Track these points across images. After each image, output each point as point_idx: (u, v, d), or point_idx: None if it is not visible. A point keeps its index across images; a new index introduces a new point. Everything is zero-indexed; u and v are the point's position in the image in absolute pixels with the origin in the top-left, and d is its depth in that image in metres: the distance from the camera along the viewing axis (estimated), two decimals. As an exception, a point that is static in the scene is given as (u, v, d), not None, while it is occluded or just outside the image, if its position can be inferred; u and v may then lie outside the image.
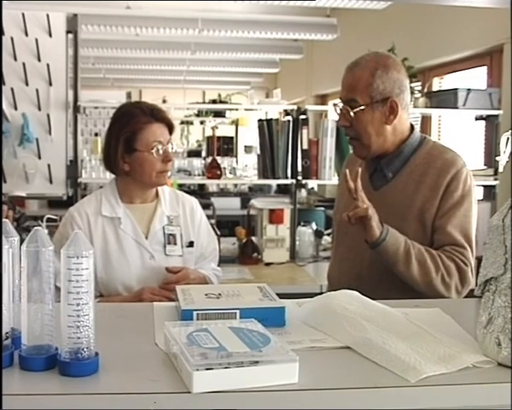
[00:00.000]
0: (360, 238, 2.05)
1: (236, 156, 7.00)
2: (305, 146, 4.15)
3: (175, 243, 2.26)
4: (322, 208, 5.42)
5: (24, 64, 3.82)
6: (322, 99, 8.14)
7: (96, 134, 7.46)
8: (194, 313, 1.33)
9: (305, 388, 1.06)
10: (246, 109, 6.10)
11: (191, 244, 2.31)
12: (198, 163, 6.49)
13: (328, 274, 2.32)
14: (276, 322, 1.35)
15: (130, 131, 2.20)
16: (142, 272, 2.20)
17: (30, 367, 1.08)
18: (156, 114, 2.22)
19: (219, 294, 1.44)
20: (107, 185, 2.33)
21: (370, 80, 2.03)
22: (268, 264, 4.04)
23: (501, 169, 2.00)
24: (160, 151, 2.19)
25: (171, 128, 2.26)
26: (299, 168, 4.14)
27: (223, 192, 6.45)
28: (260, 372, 1.05)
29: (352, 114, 2.06)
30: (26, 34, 3.83)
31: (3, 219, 1.22)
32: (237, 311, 1.34)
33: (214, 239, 2.47)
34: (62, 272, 1.05)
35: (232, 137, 7.42)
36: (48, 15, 3.84)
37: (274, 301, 1.42)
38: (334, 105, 2.16)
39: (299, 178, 4.14)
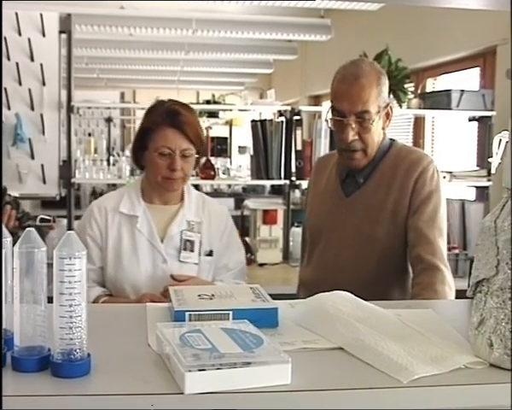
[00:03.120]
0: (335, 246, 2.08)
1: (230, 157, 7.01)
2: (299, 147, 4.16)
3: (191, 250, 2.19)
4: (316, 209, 5.41)
5: (17, 64, 3.82)
6: (316, 100, 8.14)
7: (90, 134, 7.46)
8: (187, 313, 1.32)
9: (297, 389, 1.06)
10: (240, 110, 6.10)
11: (210, 253, 2.23)
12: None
13: (302, 279, 2.32)
14: (269, 323, 1.35)
15: (145, 127, 2.17)
16: (153, 276, 2.14)
17: (22, 368, 1.08)
18: (171, 119, 2.11)
19: (212, 295, 1.44)
20: (134, 182, 2.29)
21: (379, 90, 2.06)
22: (261, 264, 4.05)
23: (493, 170, 2.02)
24: (167, 157, 2.11)
25: (189, 136, 2.12)
26: (293, 169, 4.14)
27: (216, 193, 6.44)
28: (253, 373, 1.05)
29: (365, 125, 2.05)
30: (20, 34, 3.83)
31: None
32: (230, 312, 1.34)
33: (241, 252, 2.37)
34: (55, 272, 1.04)
35: (226, 138, 7.42)
36: (41, 15, 3.85)
37: (267, 303, 1.42)
38: (336, 120, 2.09)
39: (293, 178, 4.15)
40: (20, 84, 3.85)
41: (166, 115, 2.12)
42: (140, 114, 9.82)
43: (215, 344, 1.10)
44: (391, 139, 2.21)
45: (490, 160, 3.32)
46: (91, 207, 2.23)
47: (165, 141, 2.11)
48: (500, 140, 1.54)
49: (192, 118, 2.17)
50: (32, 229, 1.07)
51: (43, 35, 3.87)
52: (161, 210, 2.22)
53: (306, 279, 2.28)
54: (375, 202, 2.11)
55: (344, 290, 1.47)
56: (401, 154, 2.16)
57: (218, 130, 7.93)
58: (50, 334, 1.09)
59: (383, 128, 2.13)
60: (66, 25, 3.93)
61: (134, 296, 2.10)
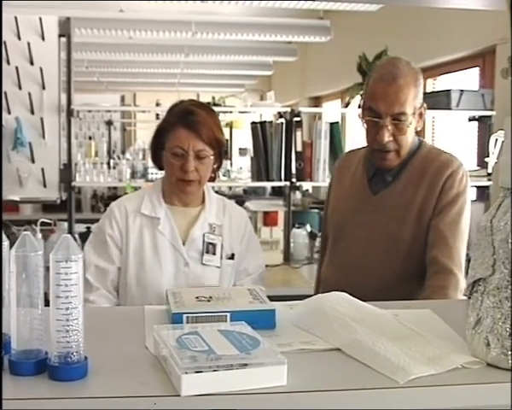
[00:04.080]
0: (359, 245, 2.06)
1: (231, 159, 7.01)
2: (299, 148, 4.16)
3: (214, 253, 2.16)
4: (317, 210, 5.42)
5: (17, 68, 3.82)
6: (316, 101, 8.15)
7: (90, 138, 7.47)
8: (185, 316, 1.33)
9: (294, 390, 1.07)
10: (240, 112, 6.10)
11: (232, 257, 2.21)
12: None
13: (322, 276, 2.31)
14: (266, 325, 1.35)
15: (161, 127, 2.16)
16: (175, 279, 2.12)
17: (19, 372, 1.08)
18: (184, 119, 2.08)
19: (210, 297, 1.44)
20: (152, 184, 2.27)
21: (416, 91, 2.04)
22: (262, 266, 4.04)
23: (490, 170, 2.03)
24: (180, 158, 2.08)
25: (203, 137, 2.08)
26: (294, 170, 4.14)
27: (217, 194, 6.43)
28: (249, 375, 1.06)
29: (401, 127, 2.03)
30: (19, 38, 3.83)
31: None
32: (228, 314, 1.34)
33: (260, 256, 2.34)
34: (51, 276, 1.05)
35: (226, 140, 7.43)
36: (40, 19, 3.85)
37: (264, 304, 1.42)
38: (371, 120, 2.07)
39: (294, 180, 4.15)
40: (20, 88, 3.85)
41: (181, 115, 2.10)
42: (140, 117, 9.86)
43: (212, 346, 1.10)
44: (420, 139, 2.19)
45: (486, 159, 3.32)
46: (111, 207, 2.19)
47: (178, 141, 2.08)
48: (496, 139, 1.54)
49: (208, 119, 2.12)
50: (28, 233, 1.07)
51: (43, 39, 3.87)
52: (182, 212, 2.19)
53: (328, 277, 2.24)
54: (402, 201, 2.09)
55: (368, 290, 1.46)
56: (431, 155, 2.13)
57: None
58: (47, 337, 1.09)
59: (415, 128, 2.11)
60: (65, 28, 3.93)
61: (156, 299, 2.05)
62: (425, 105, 2.11)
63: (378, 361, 1.18)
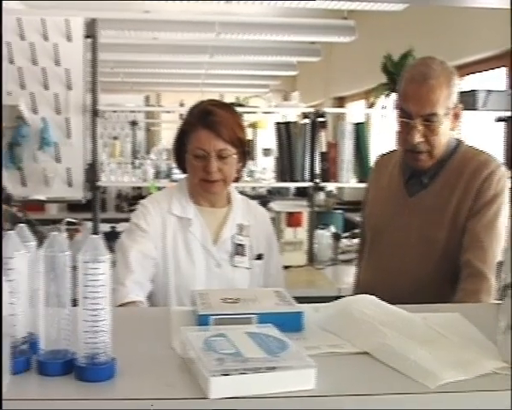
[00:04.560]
0: (396, 247, 2.04)
1: (255, 159, 7.00)
2: (324, 149, 4.15)
3: (243, 254, 2.14)
4: (341, 211, 5.39)
5: (44, 69, 3.85)
6: (340, 101, 8.11)
7: (115, 138, 7.51)
8: (211, 317, 1.32)
9: (322, 394, 1.05)
10: (264, 112, 6.09)
11: (259, 257, 2.18)
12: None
13: (360, 280, 2.28)
14: (294, 327, 1.34)
15: (182, 129, 2.14)
16: (207, 281, 2.09)
17: (47, 372, 1.08)
18: (204, 120, 2.06)
19: (237, 299, 1.43)
20: (176, 184, 2.25)
21: (448, 91, 2.00)
22: (286, 267, 4.01)
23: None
24: (202, 159, 2.05)
25: (223, 136, 2.05)
26: (318, 171, 4.13)
27: (241, 195, 6.43)
28: (277, 378, 1.05)
29: (433, 128, 2.00)
30: (46, 39, 3.86)
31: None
32: (254, 316, 1.33)
33: (280, 256, 2.32)
34: (79, 276, 1.05)
35: (250, 140, 7.42)
36: (67, 20, 3.87)
37: (291, 306, 1.41)
38: (403, 121, 2.04)
39: (318, 180, 4.13)
40: (47, 88, 3.88)
41: (200, 116, 2.07)
42: (164, 118, 9.90)
43: (239, 348, 1.09)
44: (457, 139, 2.16)
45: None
46: (144, 204, 2.15)
47: (199, 142, 2.05)
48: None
49: (228, 117, 2.09)
50: (57, 233, 1.07)
51: (69, 40, 3.89)
52: (211, 213, 2.16)
53: (365, 281, 2.22)
54: (438, 203, 2.05)
55: (403, 292, 1.44)
56: (468, 155, 2.10)
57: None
58: (75, 338, 1.09)
59: (451, 129, 2.07)
60: (91, 29, 3.95)
61: (189, 301, 2.04)
62: (460, 105, 2.07)
63: (407, 366, 1.16)
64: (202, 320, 1.32)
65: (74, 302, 1.10)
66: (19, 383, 1.06)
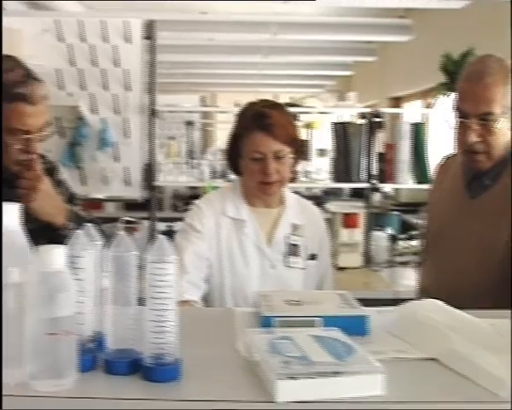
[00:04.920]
0: (457, 250, 1.99)
1: (310, 160, 6.97)
2: (381, 149, 4.10)
3: (297, 255, 2.13)
4: (397, 213, 5.32)
5: (103, 70, 3.91)
6: (396, 101, 8.00)
7: (171, 138, 7.58)
8: (275, 319, 1.31)
9: (390, 400, 1.03)
10: (320, 112, 6.06)
11: (313, 257, 2.17)
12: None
13: (423, 284, 2.24)
14: (359, 331, 1.32)
15: (235, 133, 2.13)
16: (261, 282, 2.09)
17: (113, 371, 1.09)
18: (259, 122, 2.03)
19: (300, 300, 1.42)
20: (230, 185, 2.25)
21: (506, 89, 1.93)
22: (342, 268, 4.00)
23: None
24: (260, 162, 2.04)
25: (279, 137, 2.03)
26: (375, 172, 4.08)
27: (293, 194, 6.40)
28: (344, 383, 1.03)
29: (489, 128, 1.93)
30: (106, 41, 3.92)
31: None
32: (318, 319, 1.31)
33: (330, 257, 2.28)
34: (146, 277, 1.05)
35: (305, 141, 7.38)
36: (126, 22, 3.92)
37: (356, 309, 1.38)
38: (461, 122, 1.98)
39: (374, 181, 4.09)
40: (106, 89, 3.95)
41: (254, 119, 2.05)
42: (219, 118, 9.94)
43: (306, 352, 1.08)
44: None
45: None
46: (199, 205, 2.16)
47: (255, 146, 2.04)
48: None
49: (282, 118, 2.07)
50: (124, 233, 1.08)
51: (128, 42, 3.95)
52: (264, 213, 2.15)
53: (428, 284, 2.18)
54: (499, 204, 1.99)
55: (466, 296, 1.40)
56: None
57: (297, 133, 7.94)
58: (141, 337, 1.10)
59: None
60: (149, 31, 4.00)
61: (243, 302, 2.04)
62: None
63: (477, 373, 1.13)
64: (266, 322, 1.31)
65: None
66: (85, 381, 1.07)
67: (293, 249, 2.13)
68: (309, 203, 2.30)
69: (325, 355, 1.08)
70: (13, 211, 1.06)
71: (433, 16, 6.11)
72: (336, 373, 1.03)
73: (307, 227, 2.17)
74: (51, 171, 2.05)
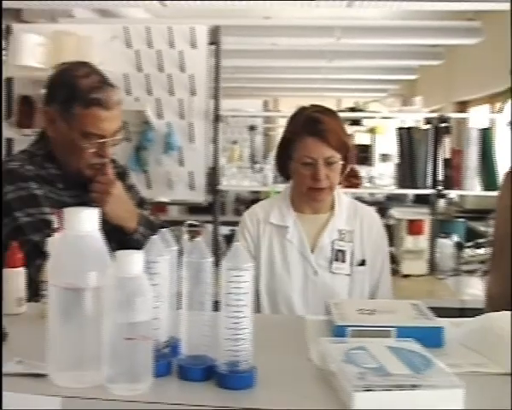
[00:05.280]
0: None
1: (373, 165, 6.90)
2: (447, 155, 4.03)
3: (343, 261, 2.11)
4: (463, 220, 5.20)
5: (169, 75, 3.97)
6: (462, 106, 7.83)
7: (235, 142, 7.62)
8: (349, 329, 1.29)
9: (470, 416, 1.00)
10: (383, 117, 5.98)
11: (363, 263, 2.14)
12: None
13: (489, 295, 2.18)
14: (433, 343, 1.28)
15: (287, 137, 2.14)
16: (304, 288, 2.10)
17: (187, 377, 1.09)
18: (311, 128, 2.04)
19: (373, 310, 1.40)
20: (282, 191, 2.27)
21: None
22: (406, 276, 3.95)
23: None
24: (310, 167, 2.05)
25: (331, 143, 2.04)
26: (440, 178, 4.01)
27: (358, 201, 6.35)
28: (422, 397, 1.00)
29: None
30: (172, 47, 3.97)
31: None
32: (392, 329, 1.29)
33: (388, 263, 2.24)
34: (222, 284, 1.05)
35: (368, 146, 7.31)
36: (192, 28, 3.97)
37: (431, 320, 1.35)
38: None
39: (440, 187, 4.01)
40: (172, 94, 4.00)
41: (306, 124, 2.06)
42: (282, 122, 9.89)
43: (382, 363, 1.06)
44: None
45: None
46: (244, 217, 2.22)
47: (306, 151, 2.05)
48: None
49: (334, 123, 2.08)
50: (200, 239, 1.08)
51: (194, 47, 3.99)
52: (312, 219, 2.16)
53: (494, 293, 2.13)
54: None
55: None
56: None
57: (359, 137, 7.86)
58: (215, 344, 1.10)
59: None
60: (215, 36, 4.03)
61: (285, 308, 2.06)
62: None
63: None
64: (339, 331, 1.29)
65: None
66: (160, 386, 1.07)
67: (338, 255, 2.12)
68: (365, 208, 2.27)
69: (402, 367, 1.06)
70: (92, 215, 1.08)
71: (503, 18, 5.95)
72: (414, 386, 1.00)
73: (358, 232, 2.15)
74: (122, 175, 2.09)
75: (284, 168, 2.19)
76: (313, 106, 2.16)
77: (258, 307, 2.12)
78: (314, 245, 2.14)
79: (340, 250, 2.12)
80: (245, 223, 2.18)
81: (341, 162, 2.09)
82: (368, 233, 2.17)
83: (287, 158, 2.13)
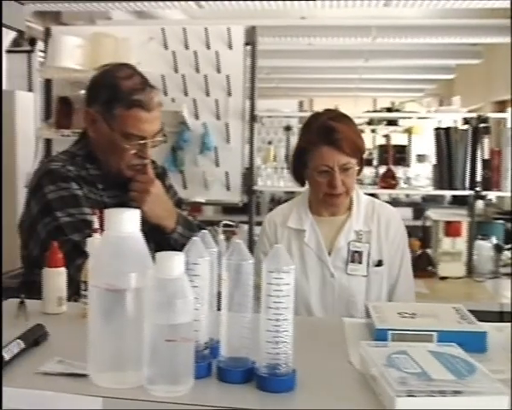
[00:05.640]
0: None
1: (409, 166, 6.83)
2: (486, 156, 3.96)
3: (360, 262, 2.11)
4: (502, 221, 5.12)
5: (205, 76, 3.98)
6: (501, 105, 7.71)
7: (270, 142, 7.61)
8: (390, 332, 1.27)
9: (515, 424, 0.98)
10: (419, 118, 5.91)
11: (380, 263, 2.13)
12: (368, 172, 6.36)
13: None
14: (477, 348, 1.26)
15: (302, 147, 2.15)
16: (322, 291, 2.11)
17: (227, 379, 1.09)
18: (326, 137, 2.04)
19: (414, 313, 1.38)
20: (300, 196, 2.28)
21: None
22: (443, 278, 3.90)
23: None
24: (326, 175, 2.05)
25: (346, 151, 2.04)
26: (479, 179, 3.95)
27: (394, 202, 6.29)
28: (465, 403, 0.98)
29: None
30: (208, 47, 3.98)
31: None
32: (434, 333, 1.27)
33: (409, 262, 2.22)
34: (263, 286, 1.04)
35: (405, 146, 7.23)
36: (229, 29, 3.97)
37: (474, 325, 1.33)
38: None
39: (479, 189, 3.95)
40: (208, 95, 4.01)
41: (321, 133, 2.06)
42: (317, 123, 9.79)
43: (424, 368, 1.04)
44: None
45: None
46: (264, 223, 2.25)
47: (322, 160, 2.05)
48: None
49: (348, 130, 2.07)
50: (241, 241, 1.08)
51: (230, 48, 3.99)
52: (329, 222, 2.17)
53: None
54: None
55: None
56: None
57: (396, 138, 7.78)
58: (255, 346, 1.09)
59: None
60: (251, 37, 4.03)
61: (305, 313, 2.07)
62: None
63: None
64: (380, 335, 1.28)
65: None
66: (200, 388, 1.07)
67: (355, 256, 2.12)
68: (383, 206, 2.25)
69: (445, 373, 1.04)
70: (133, 216, 1.08)
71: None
72: (457, 392, 0.99)
73: (376, 232, 2.15)
74: (162, 176, 2.10)
75: (300, 175, 2.20)
76: (327, 111, 2.18)
77: None
78: (331, 247, 2.14)
79: (356, 251, 2.12)
80: (264, 229, 2.22)
81: (357, 167, 2.10)
82: (385, 232, 2.16)
83: (302, 166, 2.14)
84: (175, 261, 1.01)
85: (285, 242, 2.15)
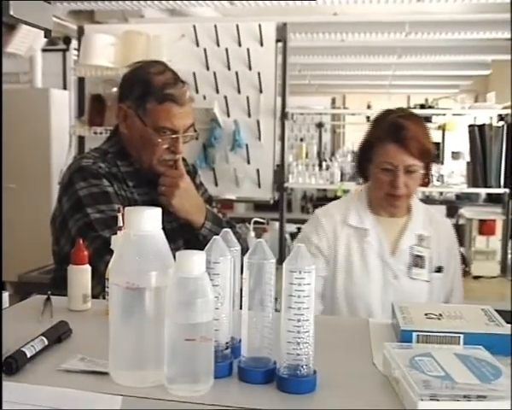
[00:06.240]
0: None
1: (443, 163, 6.76)
2: (522, 153, 3.90)
3: (422, 267, 2.08)
4: (537, 220, 5.02)
5: (237, 73, 3.98)
6: (538, 102, 7.56)
7: (302, 139, 7.60)
8: (415, 334, 1.25)
9: (543, 430, 0.95)
10: (454, 114, 5.83)
11: (439, 270, 2.11)
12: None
13: None
14: (504, 351, 1.22)
15: (369, 141, 2.11)
16: (383, 292, 2.07)
17: (248, 379, 1.08)
18: (394, 134, 2.00)
19: (440, 314, 1.35)
20: (357, 193, 2.24)
21: None
22: (476, 277, 3.85)
23: None
24: (390, 173, 2.01)
25: (413, 152, 1.98)
26: (515, 177, 3.88)
27: (428, 200, 6.22)
28: (490, 408, 0.96)
29: None
30: (240, 45, 3.98)
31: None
32: (461, 335, 1.24)
33: (460, 270, 2.21)
34: (284, 286, 1.03)
35: (439, 143, 7.15)
36: (259, 26, 3.96)
37: (502, 327, 1.29)
38: None
39: (514, 187, 3.89)
40: (239, 92, 4.01)
41: (390, 129, 2.01)
42: (349, 119, 9.86)
43: (448, 372, 1.01)
44: None
45: None
46: (317, 216, 2.18)
47: (387, 157, 2.01)
48: None
49: (418, 131, 2.02)
50: (262, 240, 1.07)
51: (261, 44, 3.99)
52: (389, 223, 2.12)
53: None
54: None
55: None
56: None
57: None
58: (276, 347, 1.08)
59: None
60: (282, 34, 4.02)
61: (364, 312, 2.04)
62: None
63: None
64: (405, 336, 1.25)
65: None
66: (220, 388, 1.06)
67: (417, 261, 2.08)
68: (438, 214, 2.25)
69: (470, 376, 1.01)
70: (154, 215, 1.08)
71: None
72: (481, 397, 0.96)
73: (434, 239, 2.12)
74: (191, 174, 2.11)
75: (363, 170, 2.16)
76: (399, 109, 2.14)
77: (333, 310, 2.10)
78: (393, 249, 2.10)
79: (418, 256, 2.08)
80: (320, 222, 2.15)
81: (422, 171, 2.04)
82: (442, 240, 2.14)
83: (367, 161, 2.11)
84: (195, 260, 1.00)
85: (345, 239, 2.12)
